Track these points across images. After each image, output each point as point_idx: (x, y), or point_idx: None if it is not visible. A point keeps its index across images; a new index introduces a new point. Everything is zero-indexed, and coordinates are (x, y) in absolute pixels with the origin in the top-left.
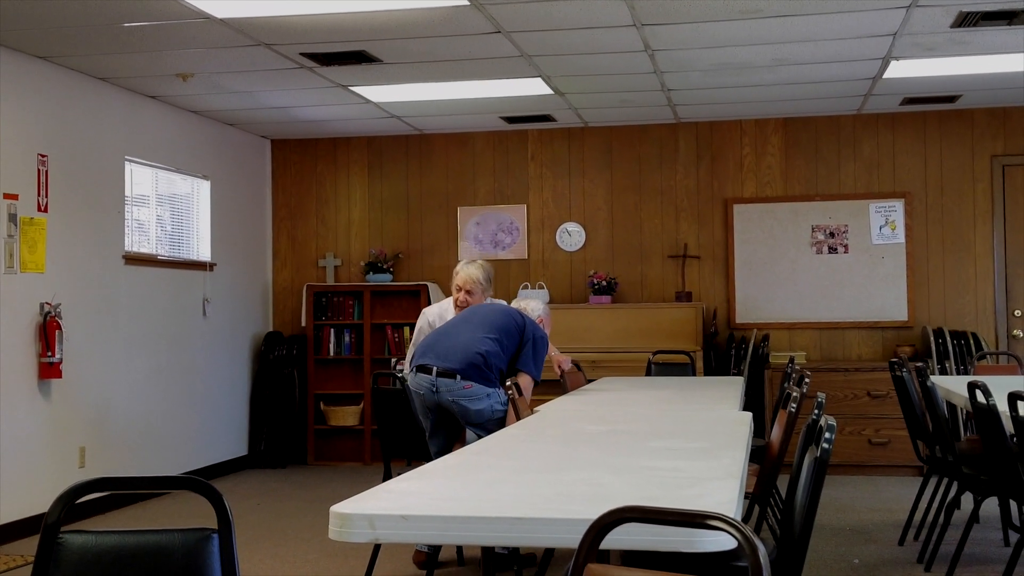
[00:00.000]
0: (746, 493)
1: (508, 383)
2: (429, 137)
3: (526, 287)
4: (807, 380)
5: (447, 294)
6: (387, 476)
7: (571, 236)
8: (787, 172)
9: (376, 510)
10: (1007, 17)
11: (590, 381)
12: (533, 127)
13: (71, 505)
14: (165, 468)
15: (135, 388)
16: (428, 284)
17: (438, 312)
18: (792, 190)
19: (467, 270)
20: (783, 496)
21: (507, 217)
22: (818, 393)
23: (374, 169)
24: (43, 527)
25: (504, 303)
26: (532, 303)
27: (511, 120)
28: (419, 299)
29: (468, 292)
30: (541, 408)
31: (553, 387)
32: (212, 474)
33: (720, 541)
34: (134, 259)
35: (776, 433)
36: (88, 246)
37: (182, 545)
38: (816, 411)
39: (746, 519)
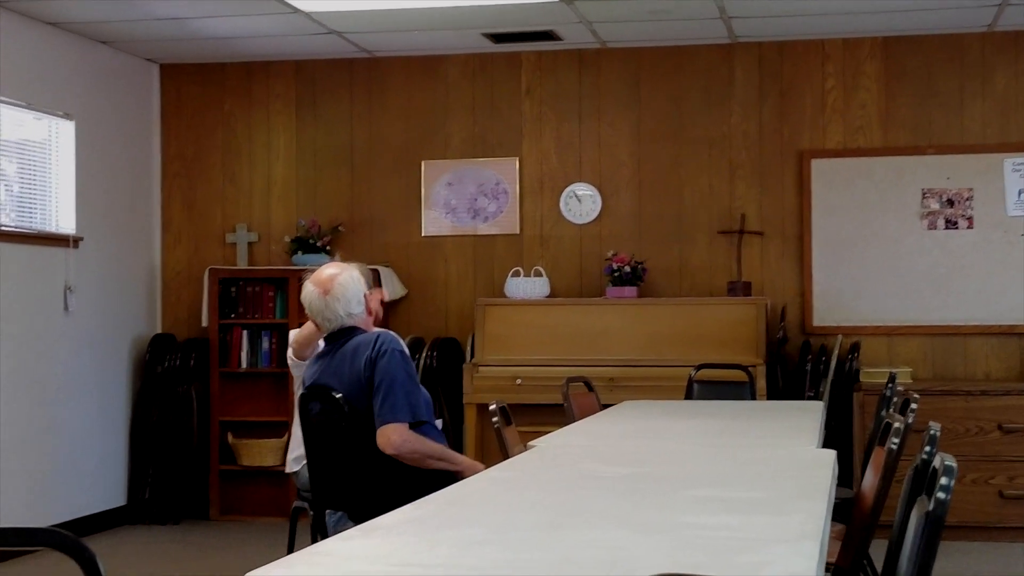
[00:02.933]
0: (827, 564)
1: (492, 407)
2: (382, 62)
3: (517, 274)
4: (914, 406)
5: (403, 281)
6: (318, 535)
7: (581, 203)
8: (887, 114)
9: None
10: None
11: (606, 406)
12: (529, 48)
13: None
14: (13, 524)
15: None
16: (380, 268)
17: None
18: (894, 139)
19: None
20: (879, 569)
21: (491, 175)
22: (930, 423)
23: (304, 107)
24: None
25: (357, 335)
26: (341, 278)
27: (498, 38)
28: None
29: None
30: (537, 443)
31: (554, 414)
32: (79, 532)
33: None
34: None
35: (870, 480)
36: None
37: None
38: (927, 448)
39: None
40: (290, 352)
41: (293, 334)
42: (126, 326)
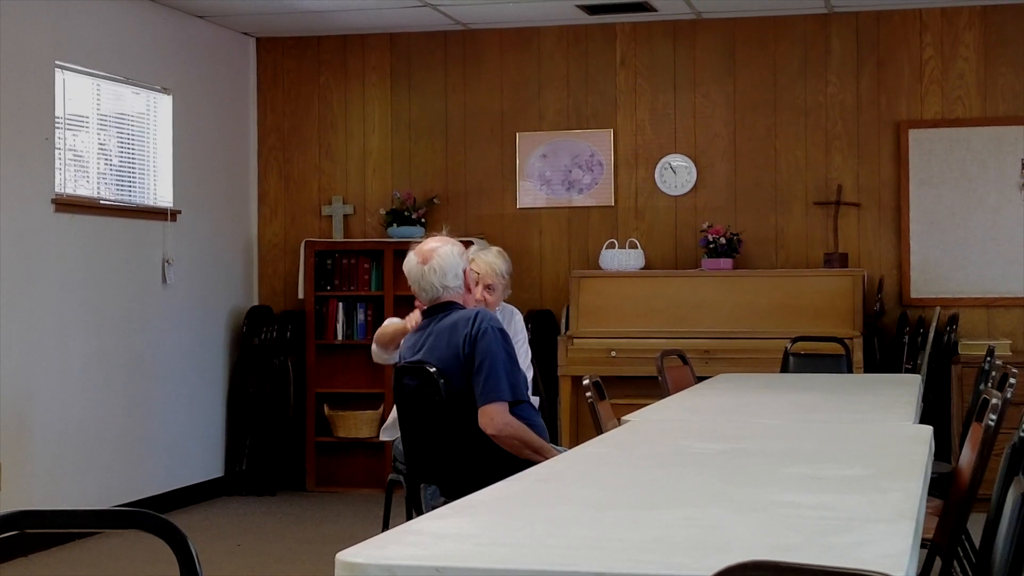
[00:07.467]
0: (923, 540)
1: (586, 381)
2: (476, 34)
3: (612, 246)
4: (1012, 380)
5: None
6: (413, 509)
7: (676, 175)
8: (986, 84)
9: (400, 559)
10: None
11: (701, 379)
12: (624, 19)
13: None
14: (110, 496)
15: (69, 384)
16: (475, 240)
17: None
18: (993, 109)
19: (486, 257)
20: (976, 545)
21: (586, 147)
22: None
23: (399, 79)
24: None
25: (455, 312)
26: (441, 250)
27: (592, 10)
28: None
29: (488, 287)
30: (630, 417)
31: (648, 386)
32: (175, 503)
33: None
34: (68, 204)
35: (967, 456)
36: (4, 186)
37: None
38: None
39: None
40: (374, 346)
41: (383, 327)
42: (223, 298)
